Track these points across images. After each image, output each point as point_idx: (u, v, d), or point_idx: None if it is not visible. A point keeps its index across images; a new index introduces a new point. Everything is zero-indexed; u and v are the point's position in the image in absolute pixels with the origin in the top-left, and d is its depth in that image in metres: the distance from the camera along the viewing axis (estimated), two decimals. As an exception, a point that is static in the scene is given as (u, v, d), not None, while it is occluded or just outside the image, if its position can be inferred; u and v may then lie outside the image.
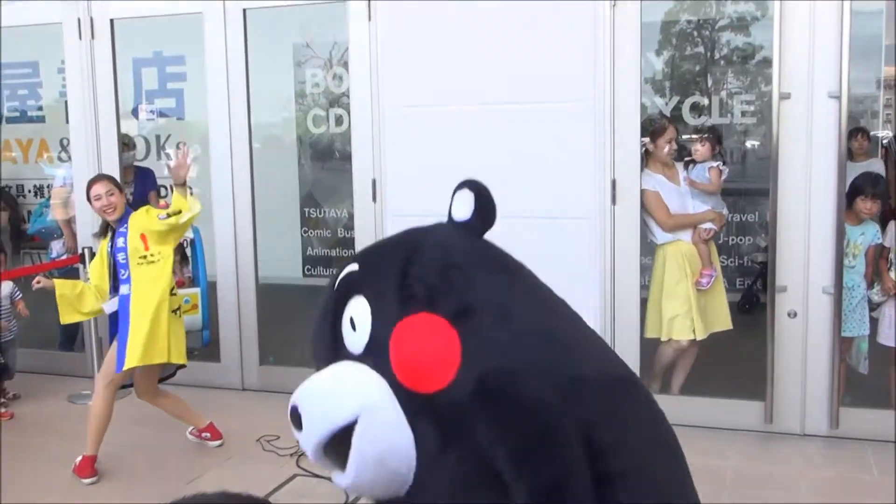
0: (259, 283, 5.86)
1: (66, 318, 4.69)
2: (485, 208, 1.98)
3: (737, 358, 5.35)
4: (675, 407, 4.97)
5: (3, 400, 5.56)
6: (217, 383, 5.82)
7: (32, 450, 4.95)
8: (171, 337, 4.49)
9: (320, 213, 8.41)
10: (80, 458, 4.47)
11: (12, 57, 6.78)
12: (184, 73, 7.64)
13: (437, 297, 1.79)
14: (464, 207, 1.98)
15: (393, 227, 5.20)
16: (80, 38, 5.92)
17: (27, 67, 7.40)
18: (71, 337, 6.53)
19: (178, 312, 4.63)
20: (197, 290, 6.20)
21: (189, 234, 6.33)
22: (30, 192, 8.18)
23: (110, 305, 4.60)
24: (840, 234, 4.58)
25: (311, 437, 1.81)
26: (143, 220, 4.47)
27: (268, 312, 6.04)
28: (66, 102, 7.00)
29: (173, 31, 6.72)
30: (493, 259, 1.99)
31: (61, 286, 4.58)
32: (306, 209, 8.53)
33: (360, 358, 1.84)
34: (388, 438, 1.75)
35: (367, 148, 5.40)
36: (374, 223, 5.45)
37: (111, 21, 5.82)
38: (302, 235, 8.46)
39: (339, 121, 6.84)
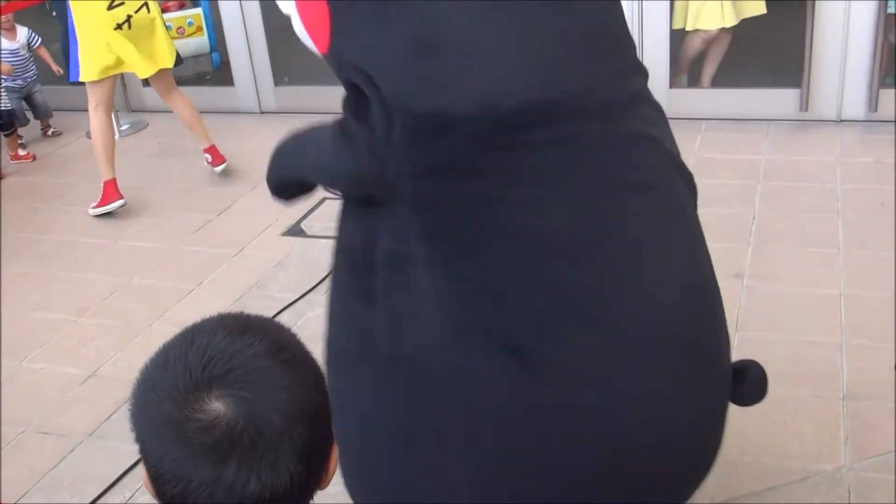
0: (261, -5, 5.53)
1: None
2: None
3: (770, 44, 5.10)
4: (705, 100, 4.87)
5: (22, 142, 5.50)
6: (233, 108, 5.69)
7: (60, 190, 4.94)
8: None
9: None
10: (101, 186, 4.45)
11: None
12: None
13: None
14: None
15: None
16: None
17: None
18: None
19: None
20: (199, 10, 5.89)
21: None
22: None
23: None
24: None
25: None
26: None
27: (274, 27, 5.75)
28: None
29: None
30: None
31: None
32: None
33: None
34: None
35: None
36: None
37: None
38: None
39: None
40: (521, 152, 1.32)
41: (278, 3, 1.67)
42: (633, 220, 1.39)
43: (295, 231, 4.16)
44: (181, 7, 5.94)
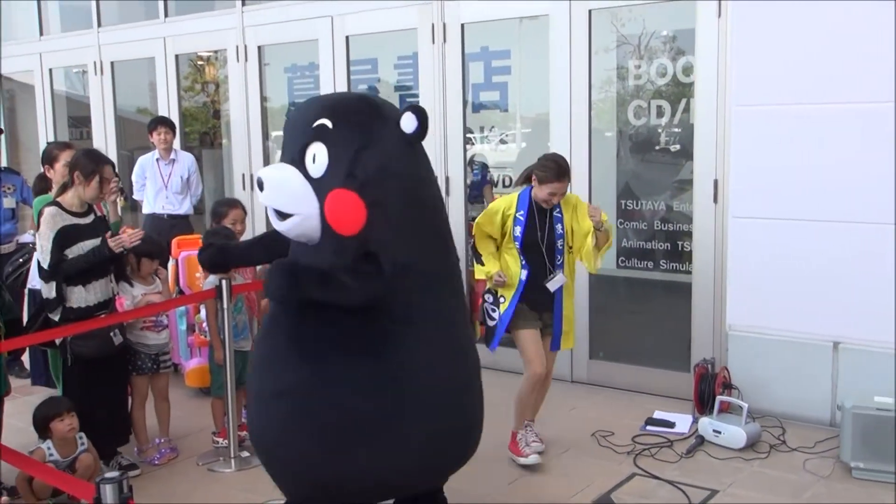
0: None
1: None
2: (423, 128, 3.20)
3: None
4: None
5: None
6: (547, 373, 6.01)
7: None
8: None
9: (637, 205, 8.39)
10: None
11: (355, 55, 7.35)
12: (508, 66, 7.88)
13: (366, 188, 3.13)
14: (410, 125, 3.19)
15: (734, 230, 5.18)
16: (433, 41, 6.34)
17: (367, 64, 7.96)
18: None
19: None
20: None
21: (522, 227, 6.57)
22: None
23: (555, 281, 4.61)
24: None
25: (265, 203, 3.28)
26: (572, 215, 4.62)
27: (595, 304, 6.14)
28: (399, 95, 7.52)
29: (509, 32, 6.97)
30: (410, 174, 3.28)
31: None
32: (623, 201, 8.55)
33: (311, 180, 3.17)
34: (307, 230, 3.22)
35: (710, 147, 5.34)
36: (713, 224, 5.39)
37: (462, 26, 6.19)
38: (618, 227, 8.49)
39: (660, 112, 6.78)
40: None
41: (279, 205, 3.19)
42: None
43: (605, 500, 4.23)
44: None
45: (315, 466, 3.25)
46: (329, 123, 3.18)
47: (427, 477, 3.51)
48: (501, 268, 4.58)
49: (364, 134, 3.17)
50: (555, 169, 4.48)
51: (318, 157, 3.17)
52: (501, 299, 4.61)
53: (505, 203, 4.63)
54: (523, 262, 4.55)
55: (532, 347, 4.59)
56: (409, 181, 3.25)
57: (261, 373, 3.39)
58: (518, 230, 4.55)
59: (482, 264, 4.62)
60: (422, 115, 3.18)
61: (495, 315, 4.63)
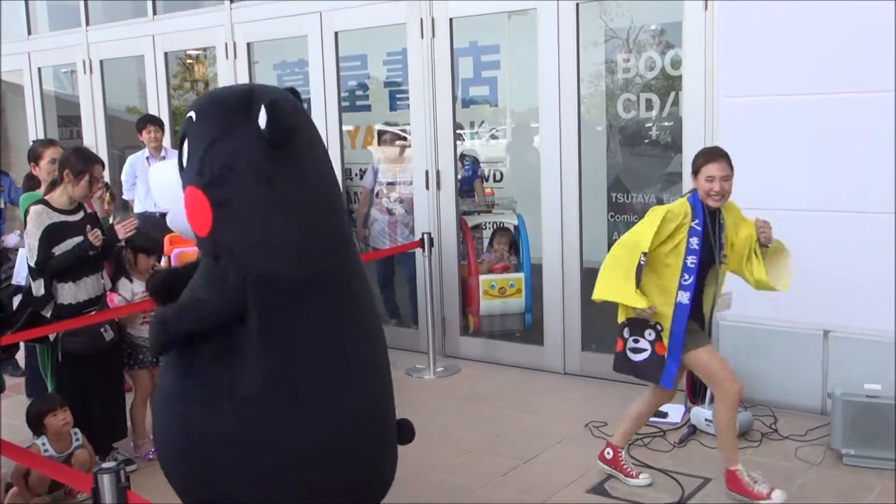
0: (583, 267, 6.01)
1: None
2: (275, 126, 2.86)
3: None
4: None
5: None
6: (539, 366, 6.04)
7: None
8: None
9: (627, 199, 8.42)
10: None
11: (344, 51, 7.35)
12: (497, 61, 7.90)
13: (212, 186, 2.92)
14: (262, 122, 2.88)
15: (724, 220, 5.17)
16: (422, 36, 6.35)
17: (356, 60, 7.98)
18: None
19: None
20: (521, 275, 6.47)
21: (513, 221, 6.62)
22: (356, 175, 8.87)
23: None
24: None
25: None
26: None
27: (586, 296, 6.15)
28: (389, 91, 7.53)
29: (497, 27, 6.99)
30: (261, 171, 2.91)
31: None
32: (613, 194, 8.58)
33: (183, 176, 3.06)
34: (182, 228, 3.09)
35: (699, 139, 5.35)
36: (703, 215, 5.40)
37: (450, 20, 6.21)
38: (608, 220, 8.52)
39: (649, 105, 6.81)
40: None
41: (157, 200, 3.23)
42: None
43: (599, 490, 4.26)
44: (505, 270, 6.57)
45: (185, 485, 3.17)
46: (193, 115, 3.06)
47: None
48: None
49: (219, 126, 2.94)
50: (707, 152, 3.98)
51: (185, 151, 3.06)
52: (659, 328, 3.98)
53: (681, 209, 3.95)
54: (689, 282, 3.92)
55: (717, 364, 4.01)
56: (264, 183, 2.89)
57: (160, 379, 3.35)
58: (695, 241, 3.91)
59: (638, 282, 3.88)
60: (274, 111, 2.85)
61: (646, 347, 4.04)
